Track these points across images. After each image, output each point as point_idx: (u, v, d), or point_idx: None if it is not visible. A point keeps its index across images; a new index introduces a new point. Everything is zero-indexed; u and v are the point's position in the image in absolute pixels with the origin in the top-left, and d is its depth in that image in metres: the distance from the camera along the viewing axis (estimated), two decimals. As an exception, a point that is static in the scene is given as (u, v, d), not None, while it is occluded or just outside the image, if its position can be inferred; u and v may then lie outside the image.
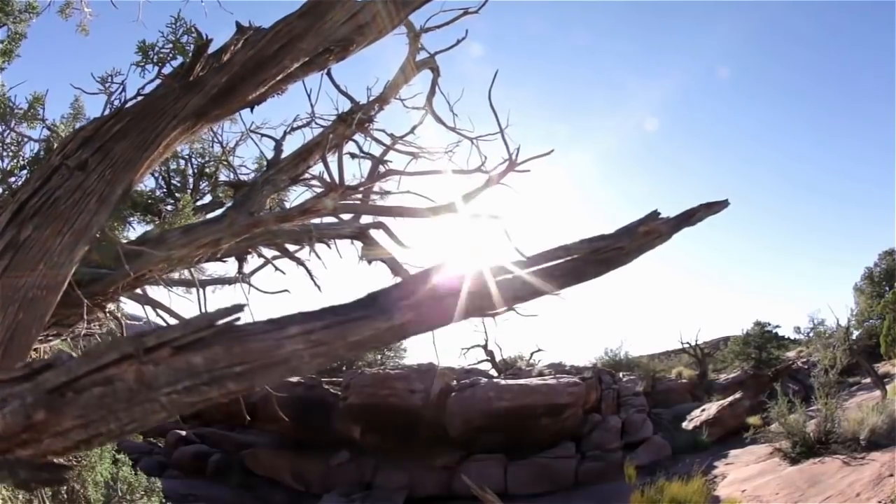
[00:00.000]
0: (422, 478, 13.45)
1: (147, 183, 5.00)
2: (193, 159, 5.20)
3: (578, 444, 13.95)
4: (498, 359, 19.22)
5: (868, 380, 14.47)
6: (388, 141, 5.33)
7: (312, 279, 4.80)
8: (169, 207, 4.79)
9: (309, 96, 4.97)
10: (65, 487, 4.65)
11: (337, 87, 4.68)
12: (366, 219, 4.65)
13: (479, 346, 18.97)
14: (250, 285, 5.51)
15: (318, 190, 4.48)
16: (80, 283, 3.36)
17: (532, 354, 19.45)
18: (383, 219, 4.59)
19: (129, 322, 4.92)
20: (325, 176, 3.96)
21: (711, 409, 14.91)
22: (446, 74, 5.12)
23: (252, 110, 3.26)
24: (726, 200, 1.59)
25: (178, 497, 14.93)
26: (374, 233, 4.57)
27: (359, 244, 4.69)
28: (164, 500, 5.16)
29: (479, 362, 19.07)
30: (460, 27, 4.80)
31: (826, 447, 9.88)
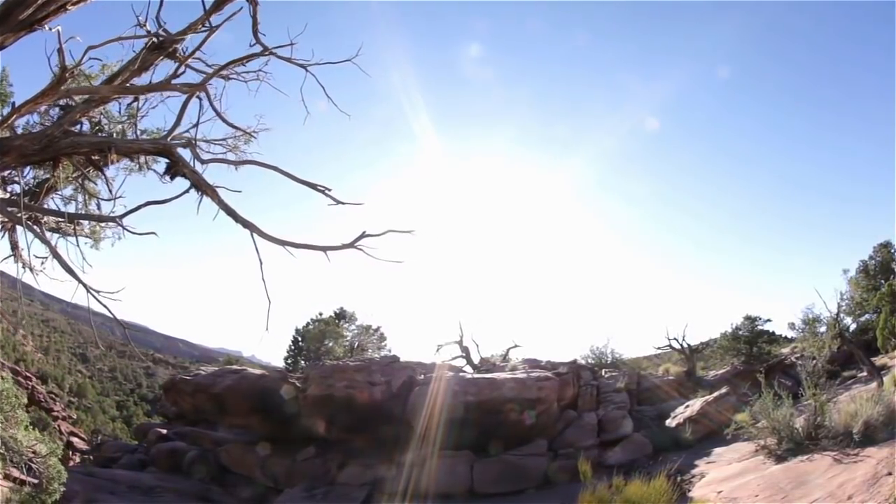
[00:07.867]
0: (387, 474, 12.08)
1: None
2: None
3: (552, 441, 12.42)
4: (476, 356, 17.71)
5: (864, 373, 12.75)
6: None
7: (109, 188, 5.15)
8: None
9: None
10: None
11: (157, 19, 4.75)
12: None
13: (454, 342, 17.55)
14: (123, 227, 5.60)
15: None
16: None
17: (508, 350, 17.91)
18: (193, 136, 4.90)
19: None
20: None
21: (695, 405, 13.21)
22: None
23: (34, 30, 3.86)
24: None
25: (147, 489, 14.10)
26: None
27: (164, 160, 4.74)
28: (29, 419, 4.86)
29: (453, 358, 17.62)
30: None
31: (816, 443, 8.33)
